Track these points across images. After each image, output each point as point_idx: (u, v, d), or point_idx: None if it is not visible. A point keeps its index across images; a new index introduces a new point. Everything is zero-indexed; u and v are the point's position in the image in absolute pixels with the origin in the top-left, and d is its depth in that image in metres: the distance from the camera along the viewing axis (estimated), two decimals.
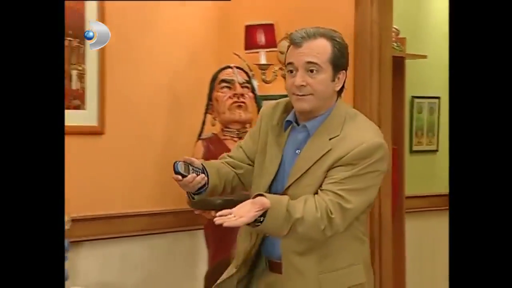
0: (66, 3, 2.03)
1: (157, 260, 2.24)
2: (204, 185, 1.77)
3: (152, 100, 2.23)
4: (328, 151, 1.72)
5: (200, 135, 2.20)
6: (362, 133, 1.75)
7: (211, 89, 2.19)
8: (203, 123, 2.19)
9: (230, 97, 2.16)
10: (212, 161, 1.92)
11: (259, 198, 1.60)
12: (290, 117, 1.81)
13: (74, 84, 2.06)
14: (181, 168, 1.66)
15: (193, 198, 1.81)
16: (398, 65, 2.71)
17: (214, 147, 2.20)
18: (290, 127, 1.83)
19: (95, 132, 2.09)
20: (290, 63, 1.74)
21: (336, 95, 1.79)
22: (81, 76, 2.08)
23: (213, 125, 2.22)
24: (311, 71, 1.72)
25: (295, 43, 1.74)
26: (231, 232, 1.88)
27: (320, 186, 1.71)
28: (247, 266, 1.87)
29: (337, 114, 1.78)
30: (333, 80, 1.75)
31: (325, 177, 1.72)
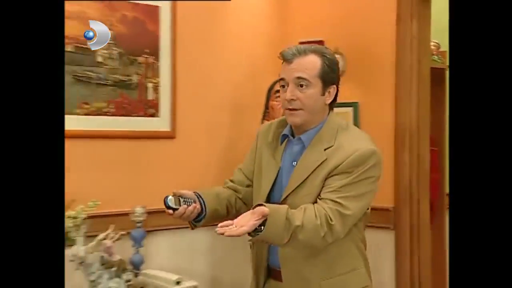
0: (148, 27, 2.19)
1: (220, 247, 2.39)
2: (202, 212, 1.75)
3: (217, 108, 2.40)
4: (324, 161, 1.72)
5: None
6: (355, 142, 1.75)
7: (268, 98, 2.33)
8: None
9: None
10: (214, 187, 1.92)
11: (258, 207, 1.57)
12: (286, 131, 1.81)
13: (150, 95, 2.18)
14: (171, 202, 1.63)
15: (194, 226, 1.78)
16: (440, 76, 2.86)
17: None
18: (285, 141, 1.83)
19: (168, 137, 2.25)
20: (282, 79, 1.72)
21: (327, 108, 1.78)
22: (156, 88, 2.21)
23: None
24: (301, 85, 1.71)
25: (286, 59, 1.73)
26: None
27: (318, 195, 1.70)
28: (261, 275, 1.85)
29: (330, 126, 1.77)
30: (323, 94, 1.74)
31: (322, 186, 1.71)
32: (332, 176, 1.68)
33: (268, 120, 2.28)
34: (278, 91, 2.30)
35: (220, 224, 1.48)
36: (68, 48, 1.95)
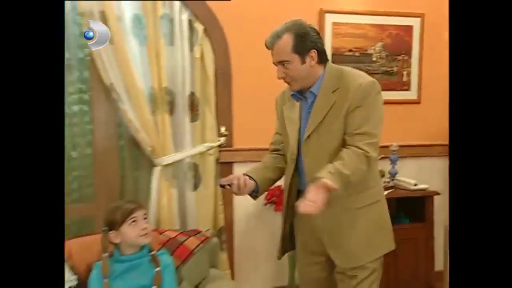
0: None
1: None
2: (256, 186, 2.02)
3: None
4: (334, 102, 1.92)
5: None
6: (355, 79, 1.94)
7: None
8: None
9: None
10: (263, 160, 2.18)
11: (319, 182, 1.74)
12: (293, 91, 2.02)
13: (405, 78, 3.46)
14: (223, 182, 1.97)
15: (256, 197, 2.06)
16: None
17: None
18: (300, 101, 2.04)
19: (415, 102, 3.51)
20: (274, 62, 1.96)
21: (318, 66, 1.95)
22: (408, 74, 3.46)
23: None
24: (283, 64, 1.93)
25: (268, 47, 1.96)
26: None
27: (340, 132, 1.90)
28: (290, 207, 2.09)
29: (330, 74, 1.96)
30: (304, 63, 1.92)
31: (343, 124, 1.90)
32: (349, 114, 1.90)
33: None
34: None
35: (298, 203, 1.71)
36: (356, 53, 3.42)
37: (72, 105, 2.89)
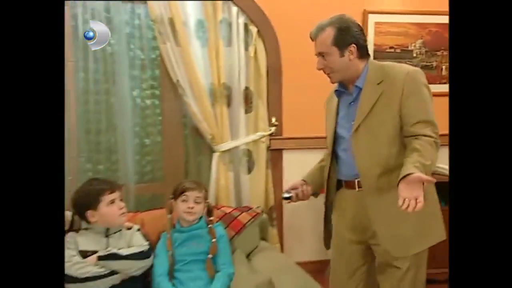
0: None
1: None
2: (313, 189, 2.14)
3: None
4: (382, 93, 1.91)
5: None
6: (400, 69, 1.94)
7: None
8: None
9: None
10: (320, 163, 2.27)
11: (410, 177, 1.66)
12: (337, 87, 2.08)
13: (443, 72, 3.67)
14: (285, 195, 2.14)
15: (316, 195, 2.20)
16: None
17: None
18: (341, 96, 2.08)
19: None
20: (315, 53, 2.00)
21: (358, 61, 1.98)
22: (447, 68, 3.68)
23: None
24: (323, 56, 1.98)
25: (312, 39, 2.00)
26: None
27: (391, 121, 1.89)
28: (329, 192, 2.14)
29: (373, 67, 1.98)
30: (342, 56, 1.96)
31: (396, 114, 1.89)
32: (403, 102, 1.89)
33: None
34: None
35: (400, 203, 1.64)
36: (397, 50, 3.68)
37: (145, 99, 3.25)
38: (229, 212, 2.86)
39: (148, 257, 2.34)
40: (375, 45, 3.60)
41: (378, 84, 1.92)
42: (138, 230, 2.47)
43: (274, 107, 3.46)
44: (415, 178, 1.64)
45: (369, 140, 1.93)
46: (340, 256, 2.16)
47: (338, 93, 2.07)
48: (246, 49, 3.35)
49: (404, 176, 1.66)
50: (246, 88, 3.31)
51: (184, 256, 2.42)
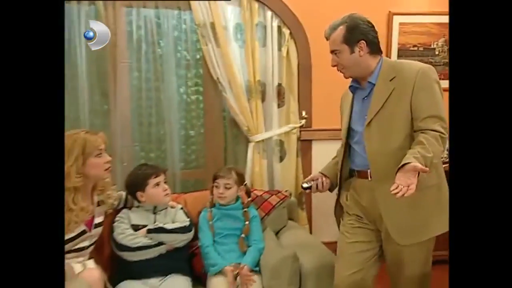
0: None
1: None
2: (331, 182, 2.19)
3: None
4: (394, 89, 1.93)
5: None
6: (411, 66, 1.95)
7: None
8: None
9: None
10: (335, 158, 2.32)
11: (407, 166, 1.71)
12: (352, 83, 2.12)
13: None
14: (304, 185, 2.22)
15: (333, 188, 2.25)
16: None
17: None
18: (355, 92, 2.12)
19: None
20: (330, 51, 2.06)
21: (370, 56, 2.01)
22: None
23: None
24: (336, 54, 2.05)
25: (326, 38, 2.09)
26: None
27: (403, 116, 1.90)
28: (342, 180, 2.20)
29: (386, 64, 2.01)
30: (353, 52, 2.00)
31: (408, 109, 1.90)
32: (414, 98, 1.90)
33: None
34: None
35: (392, 190, 1.70)
36: (420, 48, 3.86)
37: (190, 95, 3.57)
38: (261, 195, 3.12)
39: (190, 231, 2.65)
40: (399, 44, 3.83)
41: (391, 80, 1.96)
42: (181, 208, 2.77)
43: (304, 101, 3.70)
44: (410, 167, 1.70)
45: (380, 134, 1.97)
46: (349, 239, 2.22)
47: (353, 88, 2.13)
48: (279, 49, 3.63)
49: (403, 166, 1.72)
50: (279, 85, 3.57)
51: (221, 230, 2.72)
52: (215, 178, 2.84)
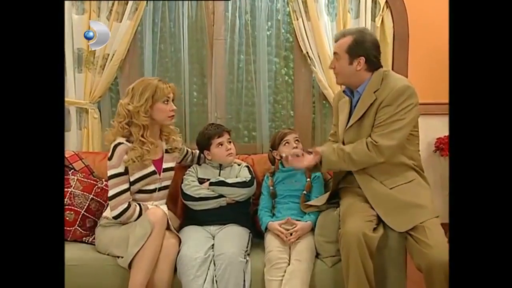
0: None
1: None
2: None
3: None
4: (375, 100, 2.14)
5: None
6: (395, 82, 2.14)
7: None
8: None
9: None
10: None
11: (314, 148, 2.14)
12: (345, 89, 2.33)
13: None
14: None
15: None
16: None
17: None
18: (350, 98, 2.29)
19: None
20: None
21: (365, 72, 2.19)
22: None
23: None
24: (337, 58, 2.21)
25: (334, 41, 2.27)
26: None
27: (371, 125, 2.14)
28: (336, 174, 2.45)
29: (376, 77, 2.18)
30: (351, 64, 2.16)
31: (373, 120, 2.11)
32: (378, 110, 2.15)
33: None
34: None
35: (290, 158, 2.20)
36: None
37: (281, 69, 3.74)
38: None
39: (250, 186, 2.79)
40: None
41: (374, 92, 2.15)
42: (246, 166, 2.94)
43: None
44: (314, 149, 2.11)
45: (354, 140, 2.21)
46: (353, 207, 2.34)
47: (346, 94, 2.33)
48: (373, 19, 3.58)
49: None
50: None
51: (283, 191, 2.83)
52: (282, 137, 2.90)
